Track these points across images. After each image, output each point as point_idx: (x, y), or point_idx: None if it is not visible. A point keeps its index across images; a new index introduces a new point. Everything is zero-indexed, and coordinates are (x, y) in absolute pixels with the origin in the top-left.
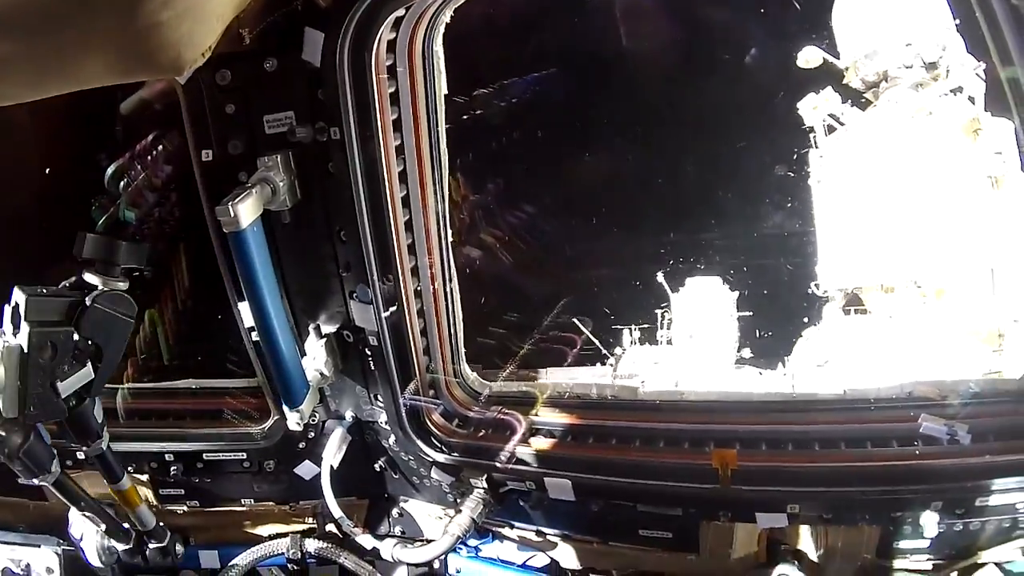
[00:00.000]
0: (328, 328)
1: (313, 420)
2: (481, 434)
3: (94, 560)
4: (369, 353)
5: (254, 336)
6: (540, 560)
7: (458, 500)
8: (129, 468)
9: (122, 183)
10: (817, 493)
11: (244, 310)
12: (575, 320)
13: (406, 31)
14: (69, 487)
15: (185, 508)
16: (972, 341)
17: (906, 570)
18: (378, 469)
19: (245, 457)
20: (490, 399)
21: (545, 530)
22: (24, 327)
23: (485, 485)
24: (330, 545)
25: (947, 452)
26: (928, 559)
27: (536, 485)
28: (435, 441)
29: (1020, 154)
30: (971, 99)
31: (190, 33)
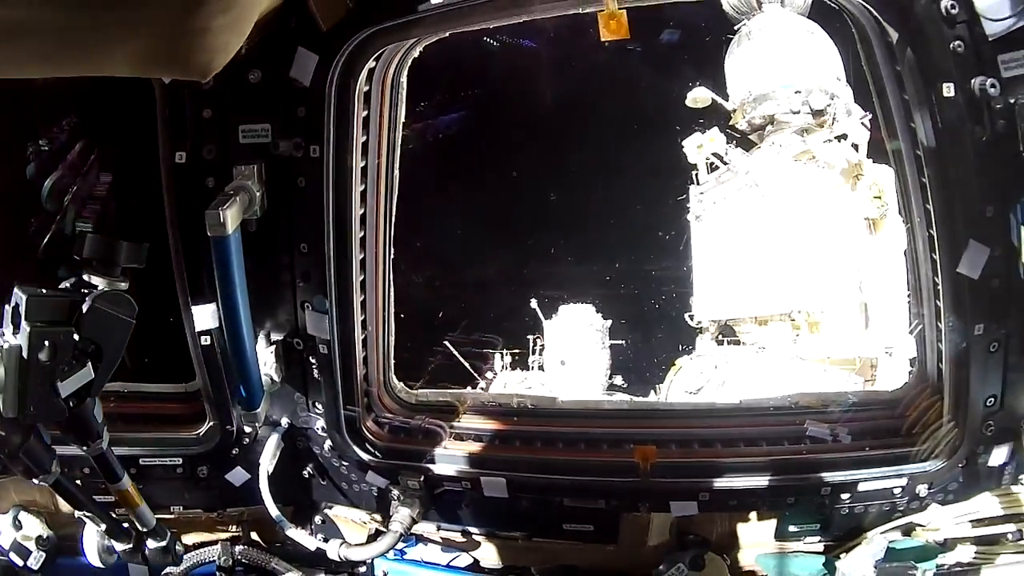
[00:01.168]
0: (276, 335)
1: (247, 427)
2: (413, 439)
3: (94, 560)
4: (314, 361)
5: (203, 340)
6: (463, 560)
7: (391, 502)
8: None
9: (66, 198)
10: (722, 484)
11: (199, 313)
12: (446, 343)
13: (384, 62)
14: (69, 487)
15: (114, 516)
16: (846, 372)
17: (802, 551)
18: (306, 476)
19: (181, 463)
20: (416, 407)
21: (470, 529)
22: (24, 327)
23: (422, 485)
24: (261, 552)
25: (831, 448)
26: (820, 540)
27: (471, 484)
28: (370, 447)
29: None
30: (855, 146)
31: (227, 41)
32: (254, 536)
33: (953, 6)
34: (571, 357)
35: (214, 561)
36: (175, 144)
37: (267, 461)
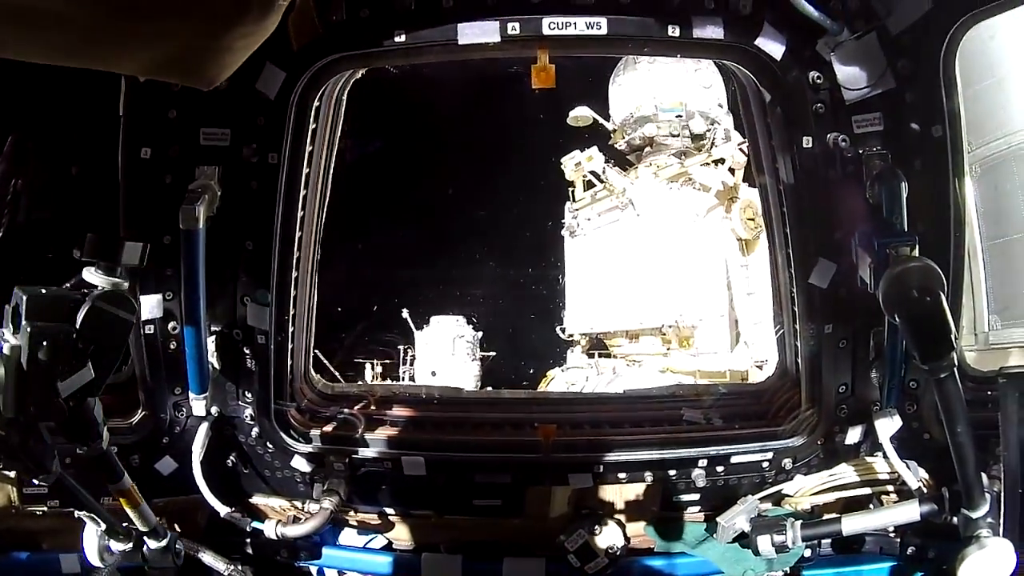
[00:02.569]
0: (216, 327)
1: (179, 415)
2: (336, 425)
3: (94, 560)
4: (248, 351)
5: (148, 329)
6: (379, 542)
7: (315, 486)
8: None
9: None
10: (612, 458)
11: (147, 303)
12: (315, 352)
13: (335, 81)
14: (69, 487)
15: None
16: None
17: (684, 520)
18: (230, 464)
19: (116, 452)
20: (332, 397)
21: (387, 510)
22: (24, 327)
23: (346, 467)
24: (191, 543)
25: (706, 429)
26: (700, 510)
27: (392, 464)
28: (295, 433)
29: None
30: (731, 170)
31: (239, 58)
32: (177, 528)
33: (819, 77)
34: (441, 367)
35: None
36: (139, 140)
37: (199, 449)
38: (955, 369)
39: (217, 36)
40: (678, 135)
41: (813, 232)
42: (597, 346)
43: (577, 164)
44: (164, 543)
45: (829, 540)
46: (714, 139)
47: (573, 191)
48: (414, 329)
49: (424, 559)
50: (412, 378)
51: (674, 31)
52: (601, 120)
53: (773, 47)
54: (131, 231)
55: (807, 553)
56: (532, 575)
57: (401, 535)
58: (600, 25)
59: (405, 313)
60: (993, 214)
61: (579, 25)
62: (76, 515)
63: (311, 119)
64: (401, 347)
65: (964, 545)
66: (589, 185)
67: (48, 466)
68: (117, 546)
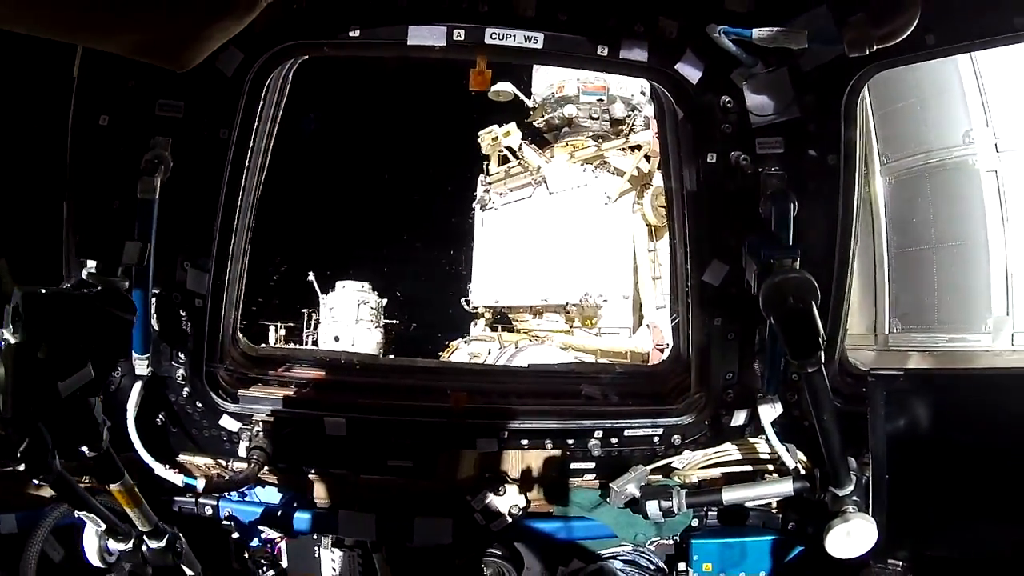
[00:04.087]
0: (155, 290)
1: (113, 374)
2: (262, 386)
3: (94, 560)
4: (184, 314)
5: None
6: (298, 500)
7: (241, 443)
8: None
9: None
10: (516, 426)
11: (89, 266)
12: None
13: (286, 64)
14: (69, 486)
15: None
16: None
17: (580, 487)
18: (159, 423)
19: None
20: (257, 360)
21: (306, 469)
22: (23, 327)
23: (271, 427)
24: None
25: (603, 403)
26: (596, 478)
27: (315, 424)
28: (224, 393)
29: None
30: (647, 158)
31: (216, 45)
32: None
33: (729, 101)
34: (345, 333)
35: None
36: (95, 107)
37: (133, 407)
38: (822, 365)
39: (201, 26)
40: (598, 118)
41: (710, 236)
42: (501, 320)
43: (494, 138)
44: (164, 543)
45: (715, 512)
46: (633, 125)
47: (488, 165)
48: (319, 293)
49: (341, 516)
50: (315, 342)
51: (603, 51)
52: (522, 97)
53: (691, 72)
54: (77, 196)
55: (695, 523)
56: (441, 533)
57: (320, 493)
58: (537, 40)
59: (311, 276)
60: (902, 225)
61: (518, 38)
62: (76, 515)
63: (262, 98)
64: (306, 311)
65: (831, 519)
66: (504, 160)
67: (48, 466)
68: (117, 546)
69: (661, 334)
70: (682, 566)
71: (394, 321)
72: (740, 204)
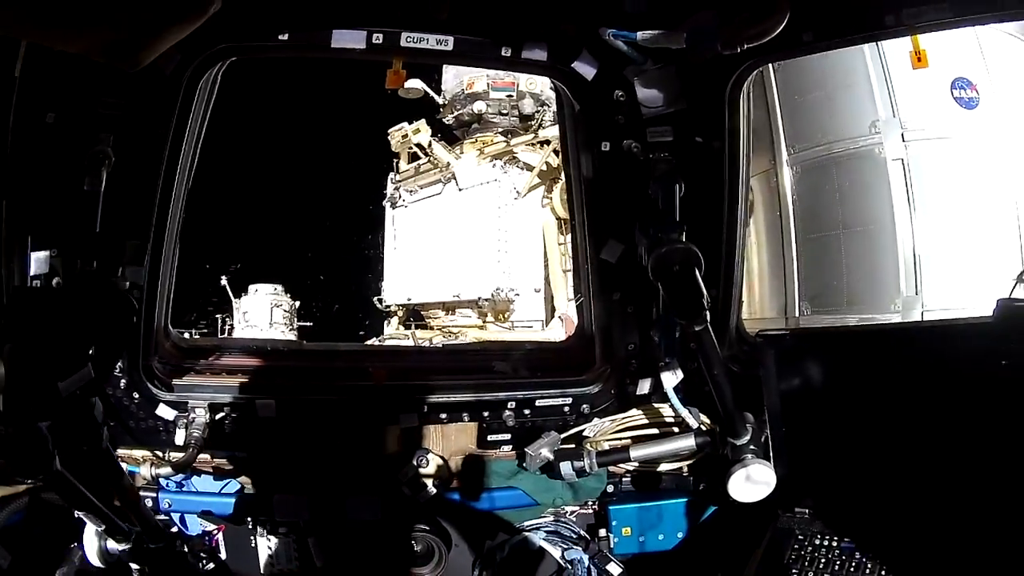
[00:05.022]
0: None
1: None
2: (195, 374)
3: (94, 560)
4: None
5: (34, 285)
6: (232, 487)
7: (177, 432)
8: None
9: None
10: (435, 400)
11: (36, 259)
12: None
13: (220, 64)
14: (68, 486)
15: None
16: None
17: (499, 457)
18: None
19: None
20: (189, 350)
21: (240, 455)
22: (23, 326)
23: (206, 412)
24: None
25: (515, 376)
26: (512, 449)
27: (247, 408)
28: (159, 383)
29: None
30: (556, 152)
31: (164, 48)
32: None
33: (622, 95)
34: (258, 337)
35: (21, 512)
36: (43, 103)
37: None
38: (709, 328)
39: (154, 30)
40: (507, 114)
41: (605, 217)
42: (415, 317)
43: (404, 136)
44: (164, 543)
45: (630, 479)
46: (542, 121)
47: (398, 163)
48: (232, 297)
49: (275, 500)
50: None
51: (507, 52)
52: (432, 93)
53: (586, 70)
54: (15, 189)
55: (610, 489)
56: (371, 510)
57: (254, 479)
58: (448, 43)
59: (224, 280)
60: (810, 212)
61: (431, 41)
62: (76, 515)
63: (196, 98)
64: (219, 316)
65: (731, 465)
66: (414, 157)
67: (48, 465)
68: (117, 546)
69: (573, 325)
70: (603, 532)
71: (307, 324)
72: (632, 187)
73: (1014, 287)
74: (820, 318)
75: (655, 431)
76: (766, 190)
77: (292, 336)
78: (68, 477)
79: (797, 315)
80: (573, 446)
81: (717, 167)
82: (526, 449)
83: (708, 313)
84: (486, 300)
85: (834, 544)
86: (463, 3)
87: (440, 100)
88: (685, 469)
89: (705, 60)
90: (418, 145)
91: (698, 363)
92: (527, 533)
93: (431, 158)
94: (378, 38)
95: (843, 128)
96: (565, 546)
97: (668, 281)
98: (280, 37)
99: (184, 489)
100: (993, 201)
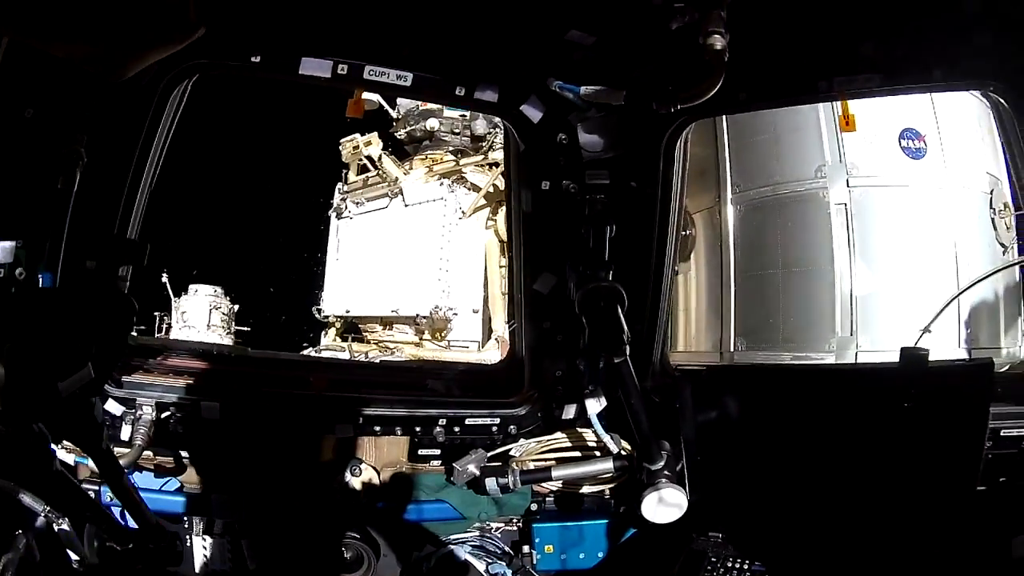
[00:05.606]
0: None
1: None
2: (143, 372)
3: (94, 560)
4: None
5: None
6: (172, 485)
7: (123, 428)
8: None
9: None
10: (370, 412)
11: (2, 247)
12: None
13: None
14: (68, 486)
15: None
16: None
17: (429, 471)
18: None
19: None
20: (136, 349)
21: (183, 454)
22: (23, 326)
23: (154, 410)
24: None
25: (448, 394)
26: (441, 463)
27: (191, 409)
28: (109, 379)
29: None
30: (504, 174)
31: (147, 64)
32: None
33: (564, 139)
34: (196, 339)
35: None
36: (23, 101)
37: None
38: (627, 358)
39: (143, 47)
40: (459, 133)
41: (541, 251)
42: (352, 330)
43: (355, 147)
44: (164, 543)
45: (553, 499)
46: (493, 143)
47: (347, 173)
48: (172, 296)
49: (214, 499)
50: None
51: (461, 91)
52: (387, 107)
53: (533, 113)
54: None
55: (534, 507)
56: (304, 514)
57: (193, 478)
58: (407, 78)
59: (164, 278)
60: (751, 250)
61: (392, 76)
62: (23, 501)
63: (167, 107)
64: (157, 314)
65: (645, 488)
66: (363, 169)
67: (49, 466)
68: (116, 546)
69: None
70: (526, 548)
71: (246, 328)
72: (567, 225)
73: (919, 337)
74: (755, 355)
75: (578, 454)
76: (709, 226)
77: (229, 340)
78: (68, 477)
79: (732, 351)
80: (499, 464)
81: (649, 212)
82: (454, 464)
83: (628, 348)
84: (424, 317)
85: (745, 567)
86: (424, 43)
87: (394, 114)
88: (607, 492)
89: (644, 112)
90: (368, 158)
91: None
92: (453, 546)
93: (380, 171)
94: (343, 69)
95: (789, 171)
96: (490, 560)
97: (592, 316)
98: (252, 59)
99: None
100: (933, 248)
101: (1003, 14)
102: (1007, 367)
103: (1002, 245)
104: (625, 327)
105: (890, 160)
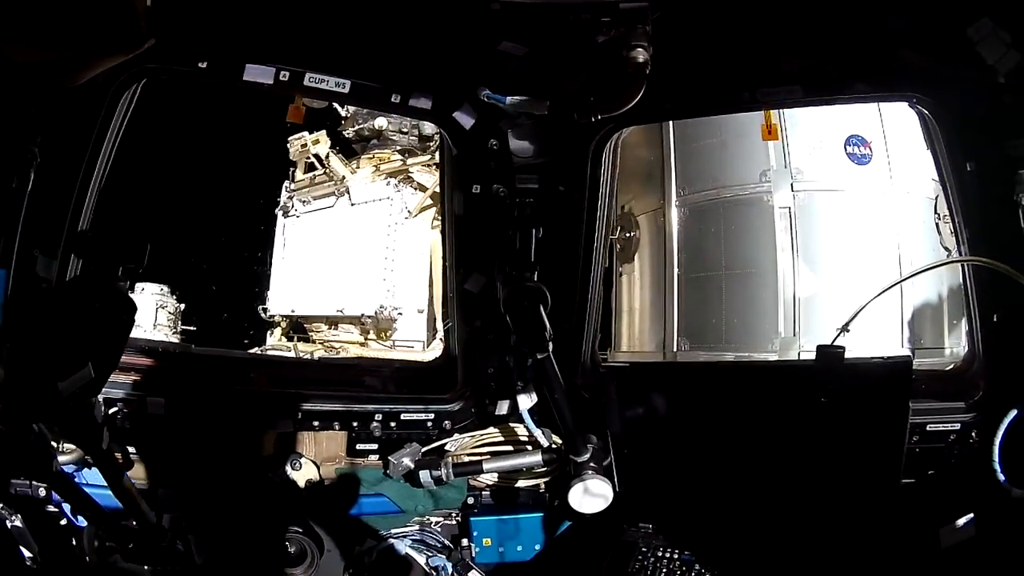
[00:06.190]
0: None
1: None
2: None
3: (94, 560)
4: None
5: None
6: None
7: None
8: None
9: None
10: (308, 407)
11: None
12: None
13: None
14: (68, 487)
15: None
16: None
17: (367, 466)
18: None
19: None
20: None
21: (129, 449)
22: (23, 326)
23: (101, 406)
24: None
25: (384, 390)
26: (378, 458)
27: (137, 405)
28: None
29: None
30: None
31: (100, 70)
32: None
33: (496, 144)
34: (142, 336)
35: None
36: None
37: None
38: (550, 354)
39: (97, 55)
40: (407, 133)
41: (472, 252)
42: (298, 329)
43: (303, 145)
44: (165, 543)
45: (489, 493)
46: (440, 143)
47: (294, 171)
48: None
49: (160, 494)
50: None
51: (396, 98)
52: (336, 105)
53: (465, 119)
54: None
55: (471, 501)
56: (247, 508)
57: (140, 473)
58: (345, 86)
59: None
60: (694, 252)
61: (331, 83)
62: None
63: (118, 109)
64: None
65: (572, 479)
66: (311, 168)
67: (48, 466)
68: (116, 546)
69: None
70: (465, 542)
71: (191, 328)
72: (497, 228)
73: (836, 336)
74: (698, 354)
75: (510, 448)
76: (653, 228)
77: (176, 339)
78: (68, 477)
79: (675, 351)
80: (434, 457)
81: (576, 215)
82: (390, 457)
83: (551, 345)
84: (369, 317)
85: (675, 556)
86: (362, 52)
87: (343, 112)
88: (541, 486)
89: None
90: (316, 156)
91: None
92: (394, 540)
93: (327, 170)
94: (285, 75)
95: (734, 175)
96: (430, 554)
97: (516, 315)
98: (200, 65)
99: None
100: (876, 251)
101: (923, 29)
102: (951, 366)
103: (946, 249)
104: (548, 325)
105: (835, 166)
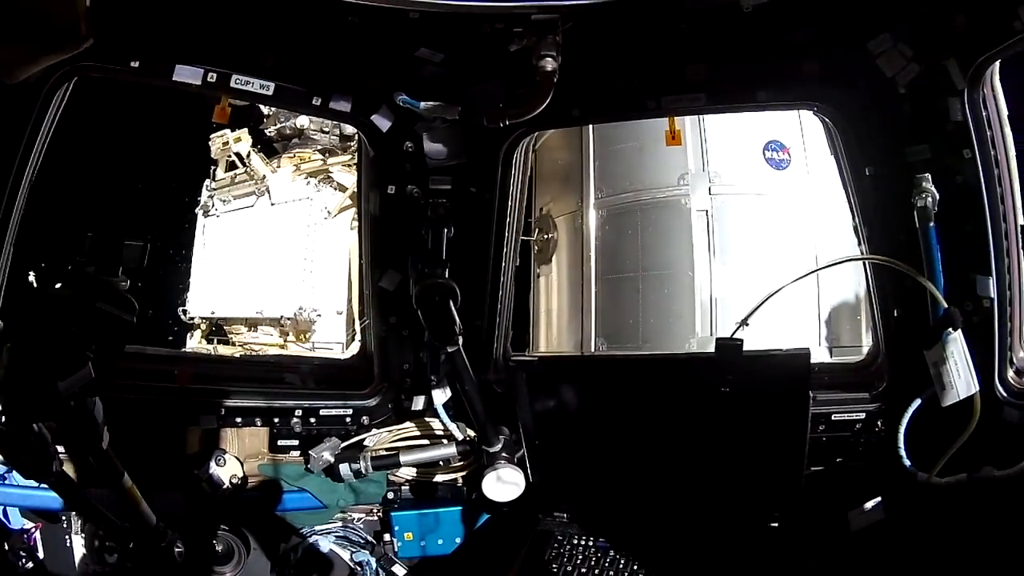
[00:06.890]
0: None
1: None
2: None
3: (93, 560)
4: None
5: None
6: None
7: None
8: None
9: None
10: (231, 404)
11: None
12: None
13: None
14: (68, 487)
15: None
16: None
17: (288, 461)
18: None
19: None
20: None
21: (59, 448)
22: (23, 326)
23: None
24: None
25: (303, 387)
26: (299, 453)
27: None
28: None
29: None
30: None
31: (40, 67)
32: None
33: (411, 147)
34: None
35: None
36: None
37: None
38: (460, 347)
39: (36, 53)
40: (328, 132)
41: (386, 250)
42: (218, 332)
43: (225, 143)
44: (165, 544)
45: (409, 488)
46: (359, 145)
47: (215, 170)
48: None
49: (91, 492)
50: None
51: (317, 101)
52: (259, 103)
53: (382, 122)
54: None
55: (391, 495)
56: (176, 504)
57: (71, 472)
58: (269, 88)
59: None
60: (612, 254)
61: (256, 85)
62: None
63: (51, 106)
64: None
65: (485, 469)
66: (232, 166)
67: (48, 466)
68: (116, 547)
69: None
70: (387, 537)
71: None
72: (410, 227)
73: (736, 329)
74: (615, 354)
75: (427, 442)
76: (571, 230)
77: None
78: (68, 477)
79: (593, 350)
80: (353, 451)
81: (487, 216)
82: (310, 452)
83: (461, 339)
84: (288, 319)
85: (590, 543)
86: (286, 56)
87: (265, 110)
88: (459, 480)
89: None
90: (237, 154)
91: None
92: (318, 536)
93: (248, 169)
94: (212, 76)
95: (652, 178)
96: (353, 549)
97: (427, 310)
98: (132, 64)
99: (5, 482)
100: (793, 253)
101: (825, 42)
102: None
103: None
104: (457, 320)
105: (754, 170)
